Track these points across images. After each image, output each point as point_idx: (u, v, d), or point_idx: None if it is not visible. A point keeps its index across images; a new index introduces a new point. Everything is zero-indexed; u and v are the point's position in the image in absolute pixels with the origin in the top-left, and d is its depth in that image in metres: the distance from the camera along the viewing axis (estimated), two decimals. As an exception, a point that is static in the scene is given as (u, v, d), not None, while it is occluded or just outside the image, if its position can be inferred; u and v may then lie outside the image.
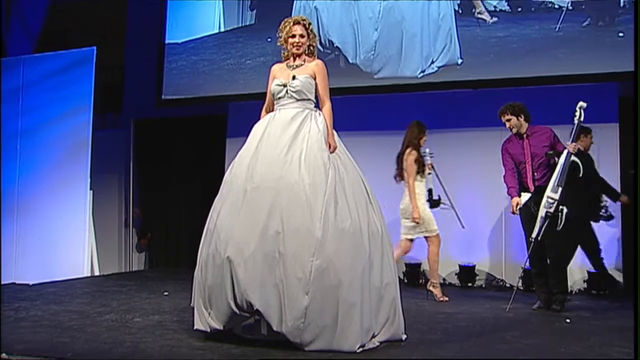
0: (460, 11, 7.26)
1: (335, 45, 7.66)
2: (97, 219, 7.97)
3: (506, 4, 7.07)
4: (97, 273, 7.76)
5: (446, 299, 5.96)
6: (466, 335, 4.38)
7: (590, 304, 5.97)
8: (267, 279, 3.67)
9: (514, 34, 7.01)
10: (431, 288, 6.04)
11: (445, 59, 7.25)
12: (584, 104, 5.37)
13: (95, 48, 7.98)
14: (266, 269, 3.68)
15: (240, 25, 8.39)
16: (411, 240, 6.08)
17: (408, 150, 6.07)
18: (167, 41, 8.62)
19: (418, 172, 6.01)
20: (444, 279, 7.11)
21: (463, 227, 6.21)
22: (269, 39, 7.79)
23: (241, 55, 8.26)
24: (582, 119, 5.37)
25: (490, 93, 6.83)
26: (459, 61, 7.16)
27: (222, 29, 8.46)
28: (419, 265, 7.17)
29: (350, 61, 7.58)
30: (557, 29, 6.73)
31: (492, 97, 6.51)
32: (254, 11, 8.33)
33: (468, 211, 6.46)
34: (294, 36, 4.24)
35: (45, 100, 8.06)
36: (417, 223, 5.93)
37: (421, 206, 5.98)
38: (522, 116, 5.54)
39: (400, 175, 6.16)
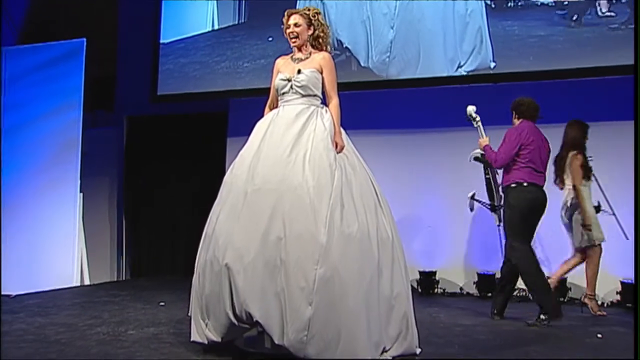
0: (492, 5, 6.85)
1: (345, 46, 7.40)
2: (88, 224, 8.06)
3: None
4: (87, 282, 7.83)
5: (604, 313, 5.98)
6: (486, 349, 4.42)
7: (625, 318, 5.95)
8: (267, 287, 3.72)
9: (560, 32, 6.53)
10: (586, 300, 6.07)
11: (474, 62, 6.89)
12: (472, 108, 5.77)
13: (85, 40, 8.04)
14: (267, 277, 3.73)
15: (236, 22, 8.07)
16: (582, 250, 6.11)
17: (573, 154, 6.02)
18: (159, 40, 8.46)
19: (584, 177, 5.98)
20: (460, 288, 7.14)
21: (627, 237, 6.12)
22: (270, 39, 7.58)
23: (238, 57, 7.96)
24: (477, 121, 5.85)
25: (518, 88, 6.77)
26: (492, 65, 6.82)
27: (216, 27, 8.17)
28: (433, 273, 7.20)
29: (362, 64, 7.32)
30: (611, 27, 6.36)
31: (519, 93, 6.52)
32: (253, 6, 8.01)
33: (486, 212, 6.46)
34: (288, 27, 4.34)
35: (31, 96, 8.12)
36: (590, 230, 5.93)
37: (591, 212, 5.98)
38: (514, 112, 5.71)
39: (561, 180, 6.14)
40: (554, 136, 5.91)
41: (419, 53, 7.07)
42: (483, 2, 6.88)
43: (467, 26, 6.91)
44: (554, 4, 6.50)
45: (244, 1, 8.07)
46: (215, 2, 8.22)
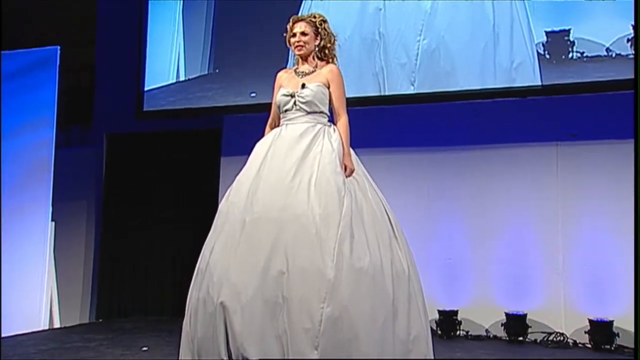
0: (547, 55, 5.90)
1: (350, 107, 6.78)
2: (60, 257, 8.05)
3: (630, 45, 5.47)
4: (57, 325, 7.81)
5: None
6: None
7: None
8: (268, 329, 3.78)
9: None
10: None
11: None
12: None
13: (59, 47, 8.13)
14: (267, 317, 3.79)
15: (207, 72, 7.26)
16: None
17: None
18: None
19: None
20: (486, 331, 7.16)
21: None
22: (253, 94, 7.05)
23: (211, 120, 7.15)
24: None
25: (548, 102, 6.82)
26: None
27: (182, 78, 7.49)
28: (455, 313, 7.21)
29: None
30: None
31: (549, 107, 6.58)
32: (228, 50, 7.20)
33: (516, 243, 6.48)
34: (294, 35, 4.47)
35: (-5, 112, 8.16)
36: None
37: None
38: None
39: None
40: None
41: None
42: (533, 49, 5.95)
43: (514, 84, 6.09)
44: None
45: (214, 43, 7.24)
46: (181, 41, 7.31)
